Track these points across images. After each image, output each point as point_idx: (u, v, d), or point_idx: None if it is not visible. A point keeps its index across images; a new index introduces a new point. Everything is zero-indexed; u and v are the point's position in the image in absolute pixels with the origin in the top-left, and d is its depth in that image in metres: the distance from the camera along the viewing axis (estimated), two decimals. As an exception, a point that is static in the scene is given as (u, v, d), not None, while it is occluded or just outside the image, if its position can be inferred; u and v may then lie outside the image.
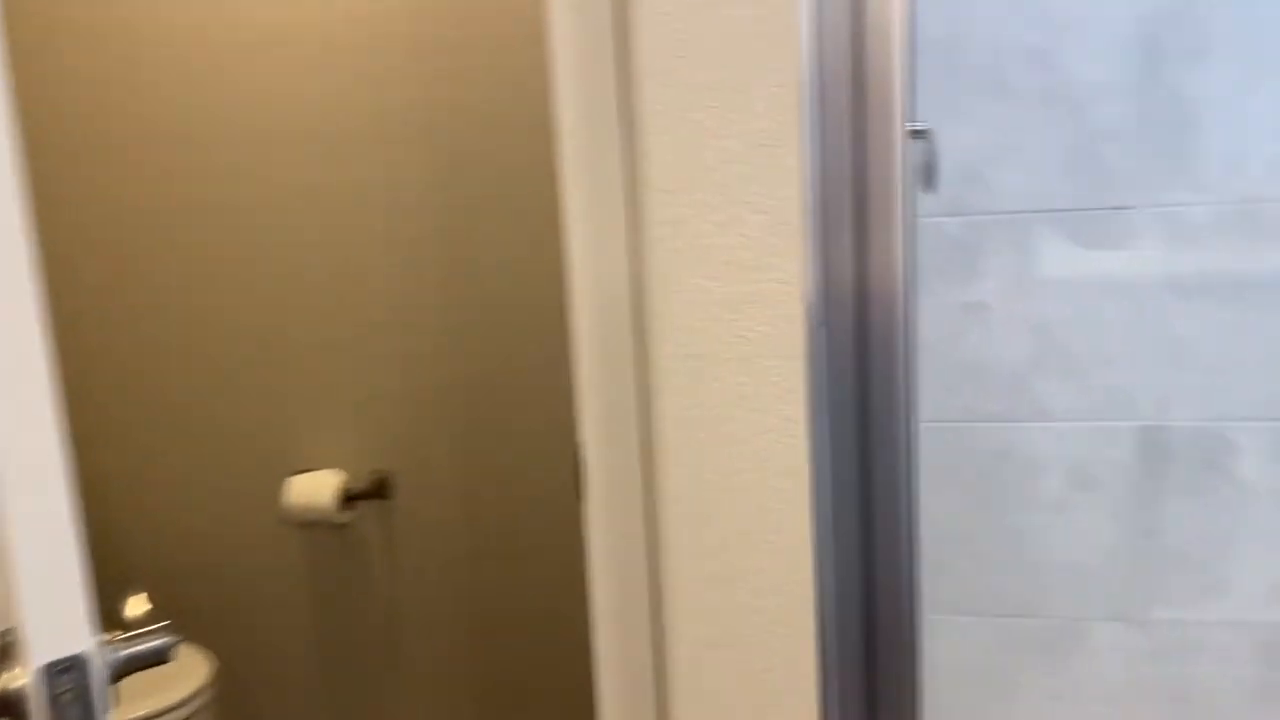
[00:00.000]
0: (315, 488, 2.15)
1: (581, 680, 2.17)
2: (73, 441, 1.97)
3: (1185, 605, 1.67)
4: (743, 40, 0.71)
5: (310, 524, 2.25)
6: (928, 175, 1.52)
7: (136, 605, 0.75)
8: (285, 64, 2.09)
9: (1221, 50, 1.53)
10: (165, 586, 2.34)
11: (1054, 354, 1.65)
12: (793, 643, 0.79)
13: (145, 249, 2.21)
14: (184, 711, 1.95)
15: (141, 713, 1.88)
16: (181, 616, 2.30)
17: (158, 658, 0.66)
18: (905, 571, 0.86)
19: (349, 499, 2.16)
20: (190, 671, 2.03)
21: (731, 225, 0.76)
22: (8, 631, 0.57)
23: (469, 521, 2.22)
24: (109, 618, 0.71)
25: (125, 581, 2.29)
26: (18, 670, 0.57)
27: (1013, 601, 1.73)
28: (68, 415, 1.23)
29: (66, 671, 0.57)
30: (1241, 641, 1.66)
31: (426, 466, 2.20)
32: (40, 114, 2.19)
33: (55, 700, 0.58)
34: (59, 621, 0.57)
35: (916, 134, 1.21)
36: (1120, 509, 1.67)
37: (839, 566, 0.82)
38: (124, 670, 0.62)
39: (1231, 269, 1.59)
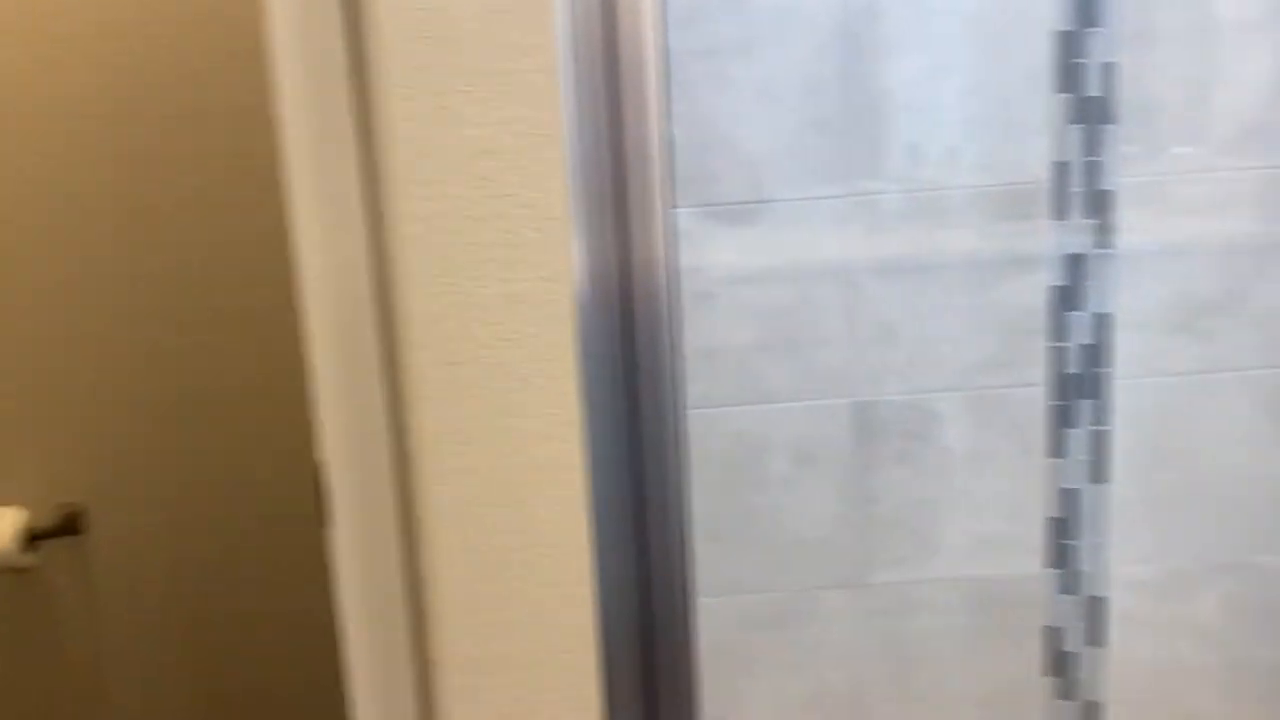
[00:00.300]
0: (-13, 530, 1.89)
1: None
2: None
3: (902, 567, 1.80)
4: (497, 19, 0.66)
5: (-20, 573, 1.98)
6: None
7: None
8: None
9: (911, 44, 1.64)
10: None
11: (775, 338, 1.72)
12: (575, 659, 0.76)
13: None
14: None
15: None
16: None
17: None
18: (678, 567, 0.85)
19: (33, 539, 1.92)
20: None
21: (492, 220, 0.71)
22: None
23: (182, 557, 2.03)
24: None
25: None
26: None
27: (749, 580, 1.79)
28: None
29: None
30: (951, 595, 1.81)
31: (128, 497, 1.98)
32: None
33: None
34: None
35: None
36: (840, 482, 1.77)
37: (617, 569, 0.80)
38: None
39: (923, 251, 1.71)
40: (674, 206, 1.64)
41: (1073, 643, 1.85)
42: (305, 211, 0.80)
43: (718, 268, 1.68)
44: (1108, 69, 1.64)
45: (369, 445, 0.85)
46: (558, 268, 0.71)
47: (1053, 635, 1.85)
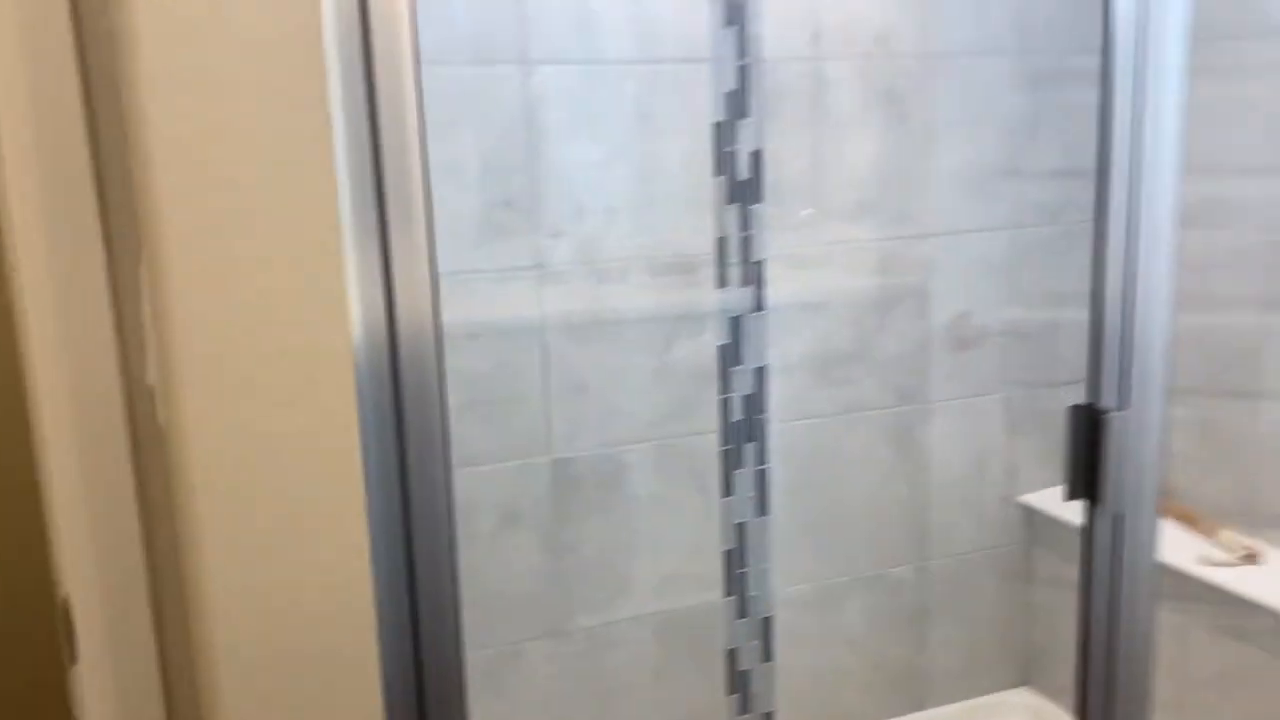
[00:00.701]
0: None
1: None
2: None
3: (599, 611, 1.92)
4: (263, 56, 0.69)
5: None
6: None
7: None
8: None
9: (589, 132, 1.79)
10: None
11: (479, 402, 1.79)
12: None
13: None
14: None
15: None
16: None
17: None
18: (450, 626, 0.90)
19: None
20: None
21: (263, 271, 0.72)
22: None
23: None
24: None
25: None
26: None
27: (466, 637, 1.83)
28: None
29: None
30: (644, 631, 1.96)
31: None
32: None
33: None
34: None
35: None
36: (543, 536, 1.86)
37: (396, 637, 0.84)
38: None
39: (607, 318, 1.86)
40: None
41: (748, 661, 2.06)
42: (34, 284, 0.76)
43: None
44: (756, 155, 1.88)
45: (123, 572, 0.81)
46: (335, 321, 0.73)
47: (731, 657, 2.05)
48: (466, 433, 1.77)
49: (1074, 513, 1.04)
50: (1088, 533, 1.00)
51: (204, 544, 0.77)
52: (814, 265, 1.99)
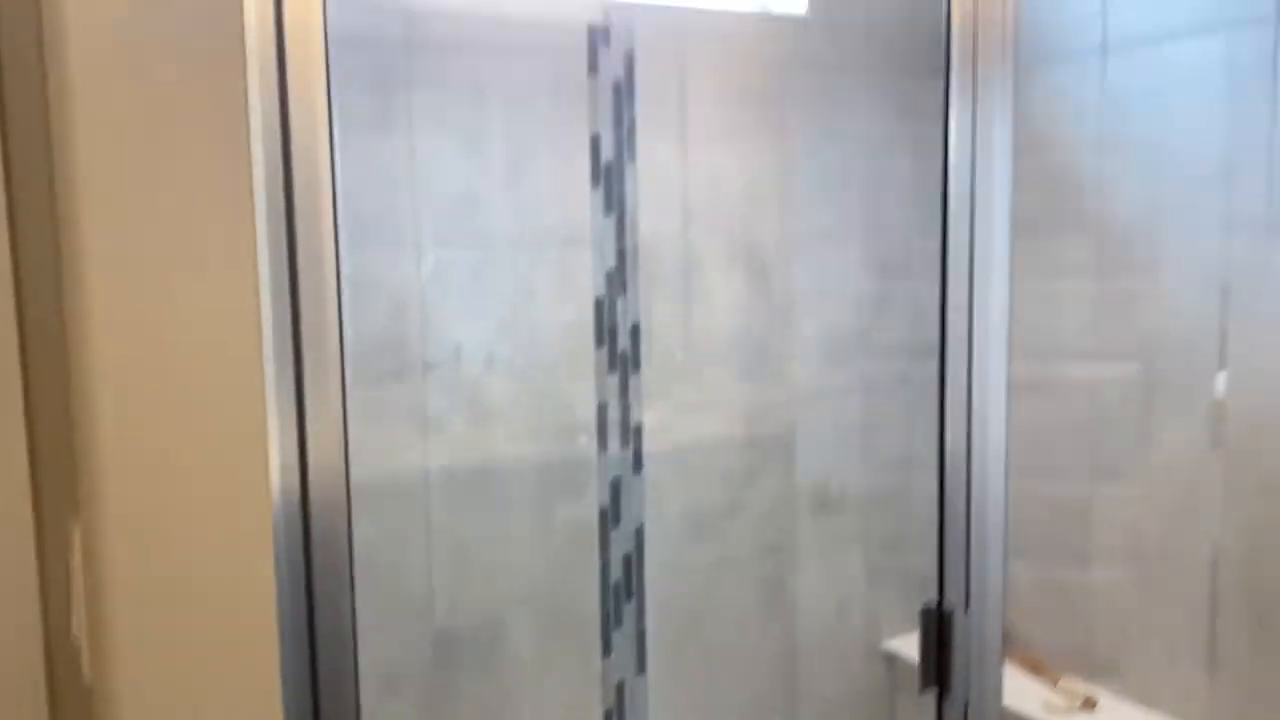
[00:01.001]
0: None
1: None
2: None
3: (482, 775, 1.93)
4: (193, 200, 0.74)
5: None
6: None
7: None
8: None
9: (477, 309, 1.88)
10: None
11: (360, 567, 1.81)
12: None
13: None
14: None
15: None
16: None
17: None
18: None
19: None
20: None
21: (186, 421, 0.75)
22: None
23: None
24: None
25: None
26: None
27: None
28: None
29: None
30: (525, 795, 1.97)
31: None
32: None
33: None
34: None
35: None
36: (425, 702, 1.87)
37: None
38: None
39: (492, 485, 1.92)
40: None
41: (626, 819, 2.09)
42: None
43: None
44: (634, 329, 2.00)
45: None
46: (256, 475, 0.77)
47: (610, 815, 2.07)
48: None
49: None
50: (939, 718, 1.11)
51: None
52: (688, 428, 2.10)
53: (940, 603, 1.07)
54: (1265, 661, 1.78)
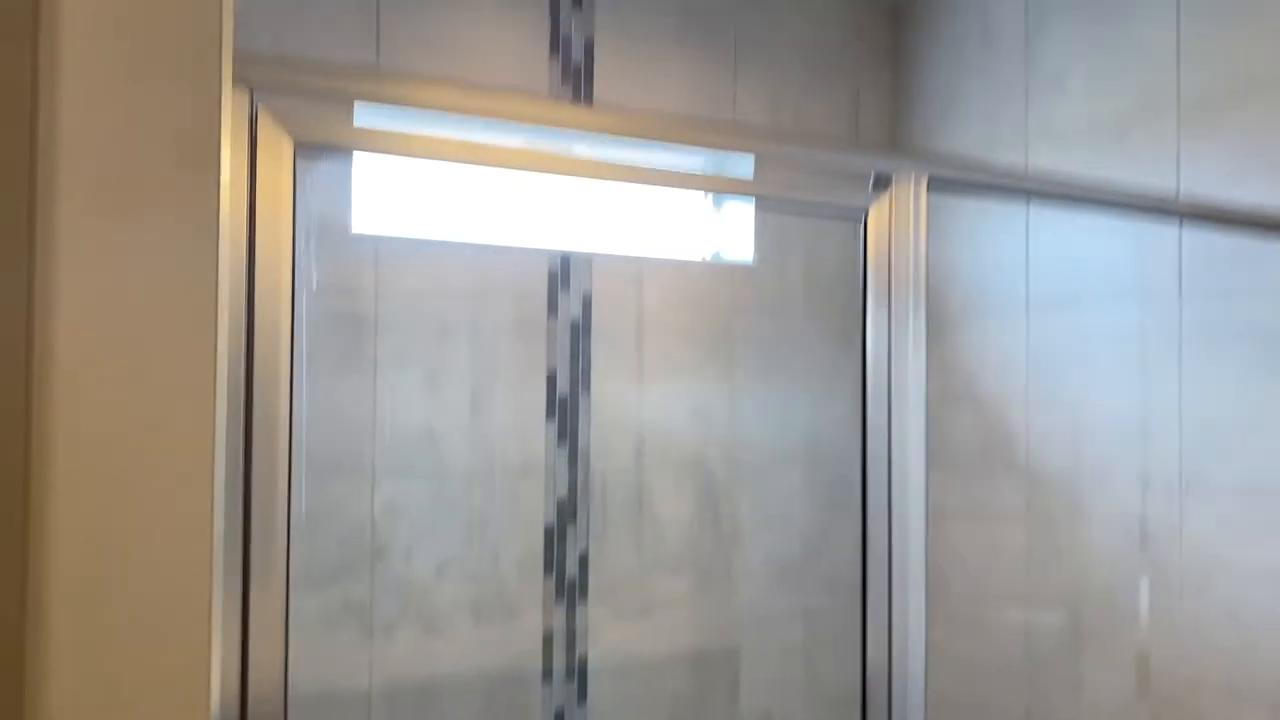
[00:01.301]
0: None
1: None
2: None
3: None
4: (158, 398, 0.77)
5: None
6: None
7: None
8: None
9: (428, 544, 1.92)
10: None
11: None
12: None
13: None
14: None
15: None
16: None
17: None
18: None
19: None
20: None
21: (134, 642, 0.77)
22: None
23: None
24: None
25: None
26: None
27: None
28: None
29: None
30: None
31: None
32: None
33: None
34: None
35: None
36: None
37: None
38: None
39: (420, 686, 1.92)
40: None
41: None
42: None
43: None
44: (583, 558, 2.05)
45: None
46: (198, 695, 0.78)
47: None
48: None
49: None
50: None
51: None
52: (634, 654, 2.12)
53: None
54: None
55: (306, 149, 0.89)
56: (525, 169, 1.06)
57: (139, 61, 0.76)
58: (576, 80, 2.06)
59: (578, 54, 2.06)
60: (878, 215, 1.19)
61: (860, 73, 2.39)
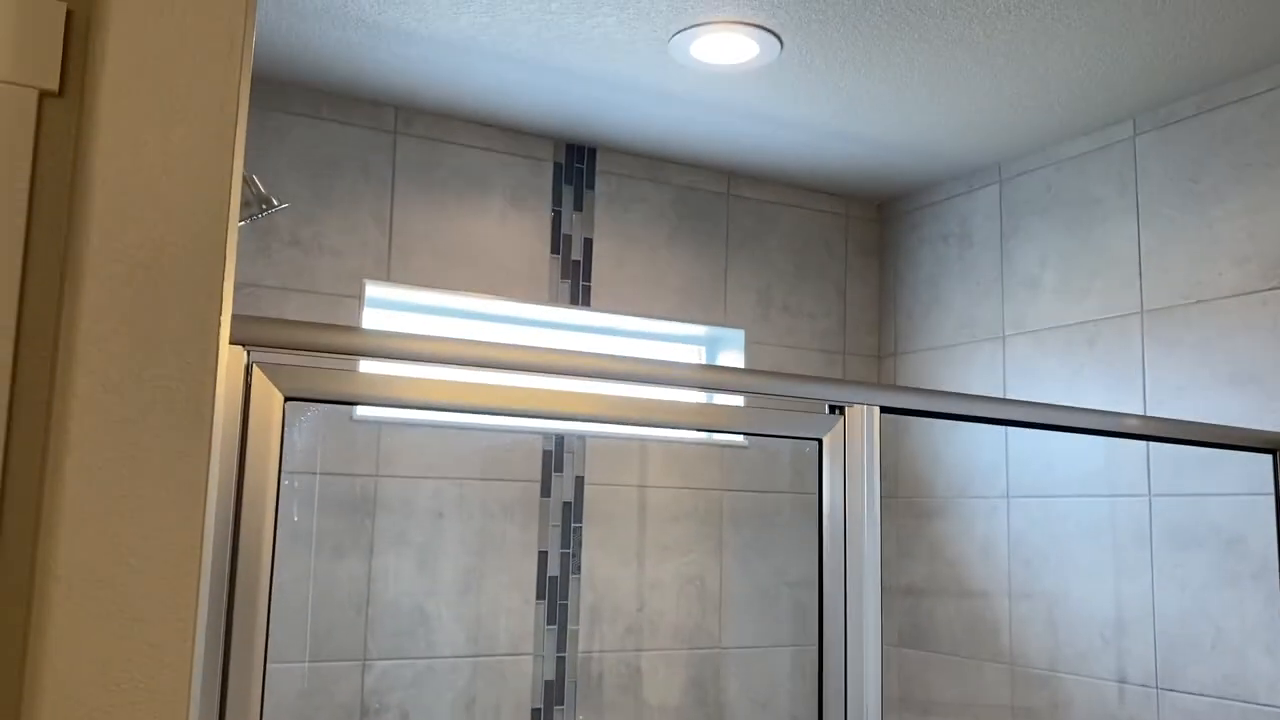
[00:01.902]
0: None
1: None
2: None
3: None
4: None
5: None
6: None
7: None
8: None
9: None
10: None
11: None
12: None
13: None
14: None
15: None
16: None
17: None
18: None
19: None
20: None
21: None
22: None
23: None
24: None
25: None
26: None
27: None
28: None
29: None
30: None
31: None
32: None
33: None
34: None
35: None
36: None
37: None
38: None
39: None
40: None
41: None
42: None
43: None
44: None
45: None
46: None
47: None
48: None
49: None
50: None
51: None
52: (617, 844, 2.12)
53: None
54: None
55: (296, 402, 1.00)
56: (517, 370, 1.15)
57: (148, 332, 0.86)
58: (575, 276, 2.19)
59: (577, 252, 2.20)
60: (832, 441, 1.28)
61: (847, 268, 2.52)
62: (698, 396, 1.24)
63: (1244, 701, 1.71)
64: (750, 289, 2.39)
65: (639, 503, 2.22)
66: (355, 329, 1.04)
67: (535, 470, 2.11)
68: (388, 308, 2.13)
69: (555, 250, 2.18)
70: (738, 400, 2.30)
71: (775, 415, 1.25)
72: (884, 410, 1.30)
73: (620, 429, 2.25)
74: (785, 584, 2.35)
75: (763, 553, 2.34)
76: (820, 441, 1.27)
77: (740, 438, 2.34)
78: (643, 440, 2.25)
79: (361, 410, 1.98)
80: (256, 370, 0.96)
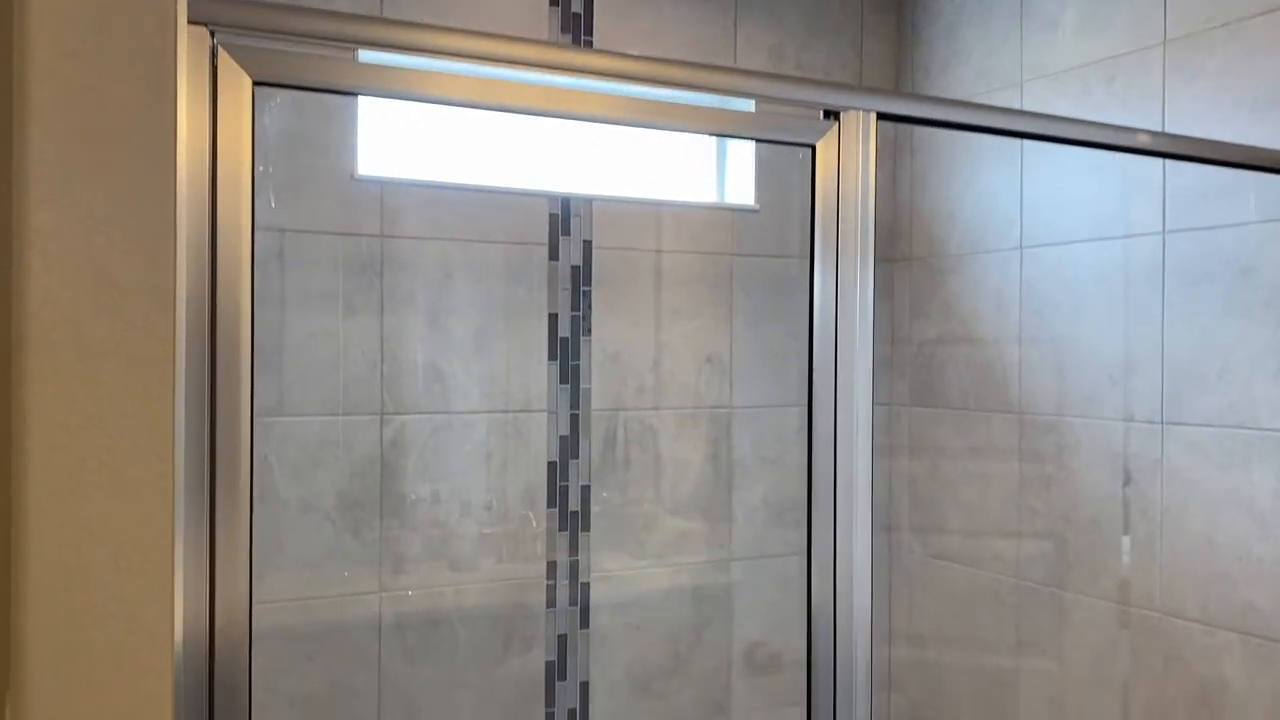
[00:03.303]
0: None
1: None
2: None
3: None
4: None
5: None
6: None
7: None
8: None
9: (435, 472, 2.02)
10: None
11: (307, 713, 1.91)
12: None
13: None
14: None
15: None
16: None
17: None
18: None
19: None
20: None
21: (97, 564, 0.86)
22: None
23: None
24: None
25: None
26: None
27: None
28: None
29: None
30: None
31: None
32: None
33: None
34: None
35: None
36: (364, 847, 1.94)
37: None
38: None
39: (439, 630, 2.03)
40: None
41: None
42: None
43: (257, 658, 1.86)
44: (585, 490, 2.14)
45: None
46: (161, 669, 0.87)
47: None
48: (299, 751, 1.88)
49: None
50: None
51: None
52: (636, 586, 2.22)
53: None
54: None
55: (267, 88, 0.98)
56: (502, 104, 1.12)
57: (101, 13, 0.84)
58: (575, 30, 2.12)
59: (577, 5, 2.12)
60: (825, 149, 1.25)
61: (862, 22, 2.42)
62: (696, 98, 1.19)
63: (1248, 428, 1.72)
64: (761, 47, 2.31)
65: (647, 267, 2.22)
66: (333, 12, 1.01)
67: (542, 233, 2.10)
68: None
69: (554, 2, 2.11)
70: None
71: (768, 119, 1.21)
72: (882, 117, 1.26)
73: (627, 193, 2.23)
74: (794, 347, 2.36)
75: (773, 316, 2.34)
76: (813, 149, 1.24)
77: (750, 201, 2.31)
78: (651, 204, 2.23)
79: (363, 169, 1.96)
80: (222, 53, 0.94)
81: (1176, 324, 1.84)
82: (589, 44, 2.14)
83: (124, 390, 0.92)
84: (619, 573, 2.19)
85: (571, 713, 2.14)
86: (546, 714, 2.11)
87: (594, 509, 2.15)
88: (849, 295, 1.28)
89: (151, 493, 0.94)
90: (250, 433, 1.03)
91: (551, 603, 2.12)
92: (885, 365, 2.46)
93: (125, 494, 0.92)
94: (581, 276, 2.14)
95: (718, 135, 2.26)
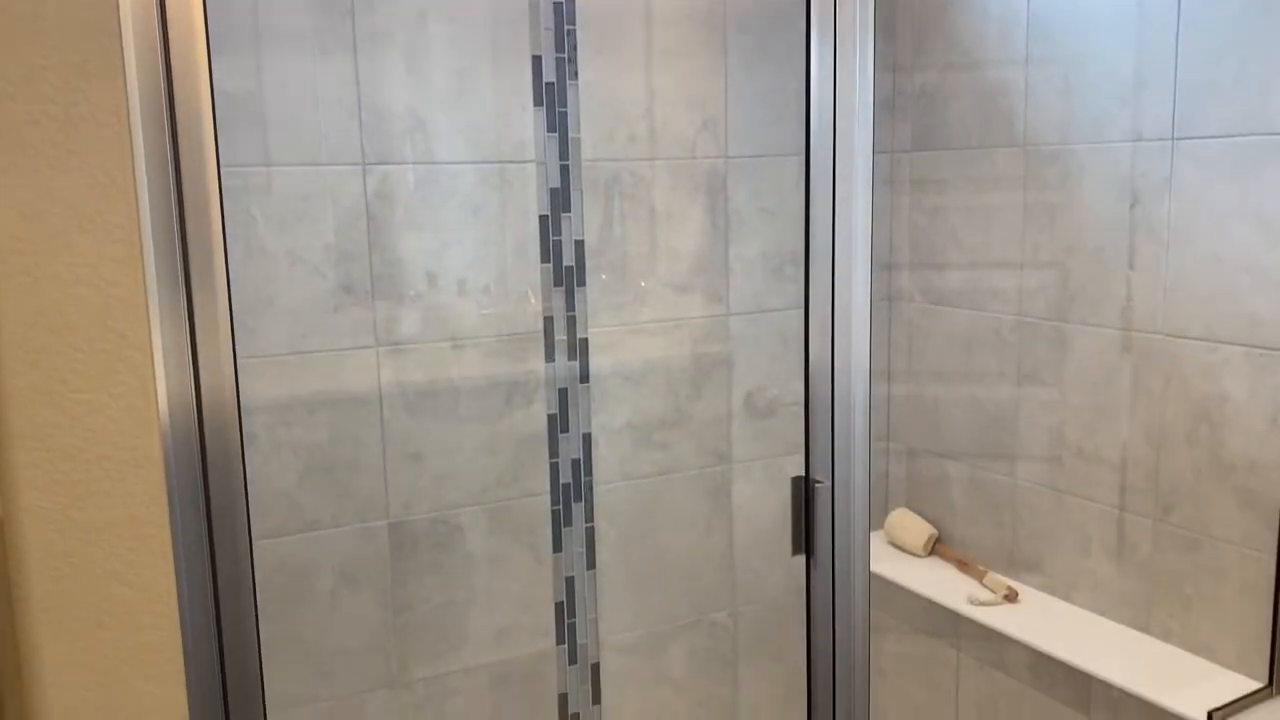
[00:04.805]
0: None
1: None
2: None
3: (438, 662, 2.07)
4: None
5: None
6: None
7: None
8: None
9: (423, 223, 1.97)
10: None
11: (318, 470, 1.93)
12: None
13: None
14: None
15: None
16: None
17: None
18: (254, 675, 1.05)
19: None
20: None
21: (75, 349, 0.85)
22: None
23: None
24: None
25: None
26: None
27: (299, 692, 1.96)
28: None
29: None
30: (480, 680, 2.11)
31: None
32: None
33: None
34: None
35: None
36: (380, 594, 2.01)
37: (206, 688, 0.98)
38: None
39: (443, 390, 2.03)
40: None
41: (578, 704, 2.23)
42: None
43: (258, 412, 1.87)
44: (579, 245, 2.10)
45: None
46: (152, 503, 0.87)
47: (563, 701, 2.22)
48: (306, 499, 1.91)
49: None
50: (808, 580, 1.22)
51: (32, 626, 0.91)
52: (634, 340, 2.20)
53: (805, 476, 1.17)
54: (1164, 552, 1.90)
55: None
56: None
57: None
58: None
59: None
60: None
61: None
62: None
63: (1260, 134, 1.66)
64: None
65: (636, 5, 2.10)
66: None
67: (521, -33, 1.98)
68: None
69: None
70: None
71: None
72: None
73: (610, -76, 2.08)
74: (793, 90, 2.26)
75: (770, 58, 2.24)
76: None
77: (742, -69, 2.16)
78: (635, -65, 2.09)
79: (325, -98, 1.82)
80: None
81: (1192, 31, 1.74)
82: None
83: (78, 155, 0.86)
84: (615, 329, 2.17)
85: (575, 463, 2.16)
86: (550, 464, 2.14)
87: (589, 261, 2.12)
88: (848, 32, 1.21)
89: (123, 257, 0.90)
90: (218, 179, 0.97)
91: (549, 357, 2.11)
92: (886, 109, 2.37)
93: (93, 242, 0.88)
94: (565, 14, 2.02)
95: None
